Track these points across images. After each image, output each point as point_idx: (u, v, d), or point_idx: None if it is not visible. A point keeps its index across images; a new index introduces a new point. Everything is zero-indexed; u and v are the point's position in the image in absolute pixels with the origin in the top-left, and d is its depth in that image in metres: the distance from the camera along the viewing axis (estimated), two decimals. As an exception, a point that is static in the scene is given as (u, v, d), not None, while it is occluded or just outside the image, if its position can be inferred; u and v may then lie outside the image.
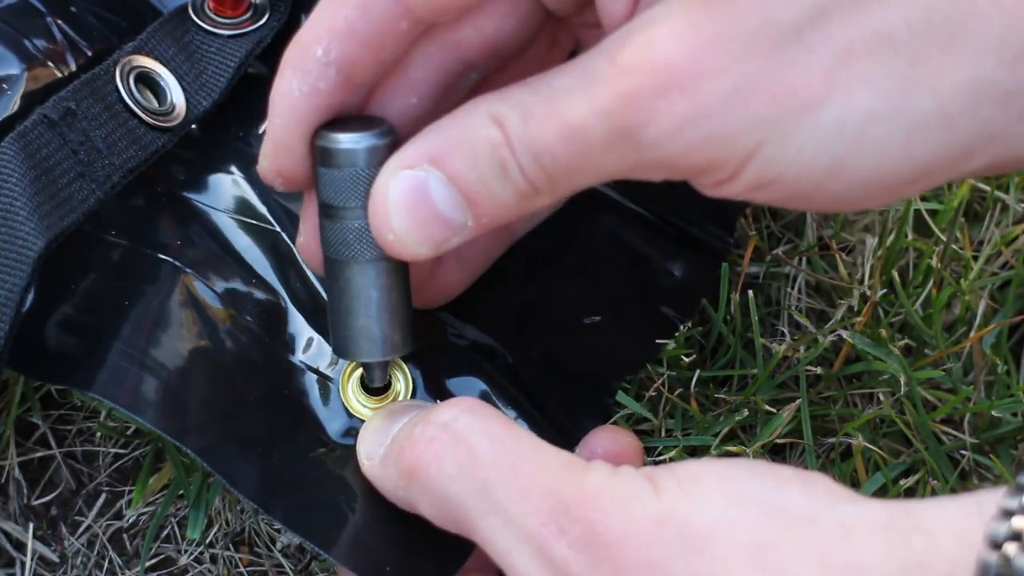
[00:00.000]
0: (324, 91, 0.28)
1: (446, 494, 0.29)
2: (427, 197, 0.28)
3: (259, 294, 0.38)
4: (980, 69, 0.24)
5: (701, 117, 0.25)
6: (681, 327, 0.40)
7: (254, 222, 0.39)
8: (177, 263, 0.37)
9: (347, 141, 0.30)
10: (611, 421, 0.40)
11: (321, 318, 0.38)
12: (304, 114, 0.29)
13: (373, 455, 0.32)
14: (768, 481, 0.26)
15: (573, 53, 0.35)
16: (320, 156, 0.30)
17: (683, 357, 0.41)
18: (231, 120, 0.41)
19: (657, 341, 0.40)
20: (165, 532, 0.42)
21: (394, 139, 0.30)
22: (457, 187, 0.28)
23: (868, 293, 0.42)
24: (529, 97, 0.27)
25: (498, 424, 0.29)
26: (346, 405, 0.36)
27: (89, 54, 0.40)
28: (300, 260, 0.38)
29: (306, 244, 0.34)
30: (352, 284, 0.32)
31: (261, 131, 0.41)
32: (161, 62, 0.39)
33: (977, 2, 0.24)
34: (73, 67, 0.39)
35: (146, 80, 0.39)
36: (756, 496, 0.26)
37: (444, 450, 0.29)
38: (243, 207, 0.40)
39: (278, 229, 0.39)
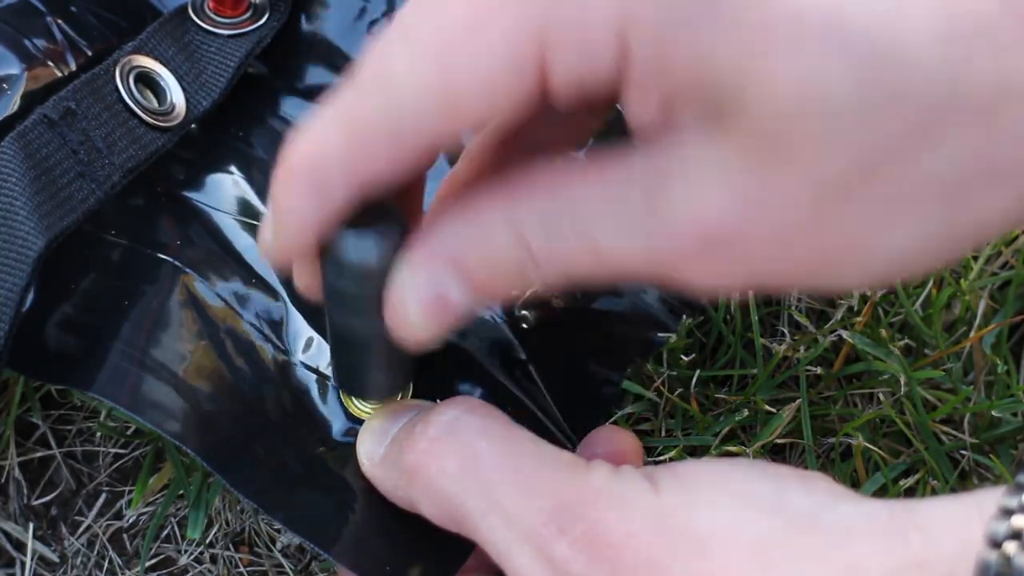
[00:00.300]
0: (339, 210, 0.27)
1: (446, 494, 0.29)
2: (445, 297, 0.27)
3: (259, 294, 0.38)
4: (1022, 195, 0.24)
5: (746, 268, 0.25)
6: (684, 319, 0.40)
7: (254, 222, 0.39)
8: (177, 263, 0.37)
9: (357, 253, 0.28)
10: (611, 421, 0.40)
11: (321, 318, 0.38)
12: (316, 227, 0.27)
13: (373, 455, 0.32)
14: (769, 481, 0.26)
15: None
16: (328, 258, 0.29)
17: (683, 356, 0.41)
18: (231, 120, 0.41)
19: (659, 335, 0.40)
20: (165, 532, 0.42)
21: (404, 228, 0.29)
22: (475, 288, 0.27)
23: (868, 293, 0.42)
24: (551, 210, 0.26)
25: (498, 424, 0.29)
26: (346, 405, 0.36)
27: (89, 54, 0.40)
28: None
29: (307, 290, 0.32)
30: (359, 350, 0.31)
31: (264, 157, 0.41)
32: (161, 62, 0.39)
33: (1013, 129, 0.23)
34: (73, 67, 0.39)
35: (146, 80, 0.39)
36: (757, 496, 0.26)
37: (444, 450, 0.29)
38: (243, 207, 0.40)
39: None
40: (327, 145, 0.26)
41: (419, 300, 0.27)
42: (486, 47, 0.24)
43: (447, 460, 0.29)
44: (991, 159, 0.23)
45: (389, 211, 0.28)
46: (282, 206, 0.27)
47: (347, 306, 0.29)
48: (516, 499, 0.27)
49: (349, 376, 0.33)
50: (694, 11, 0.22)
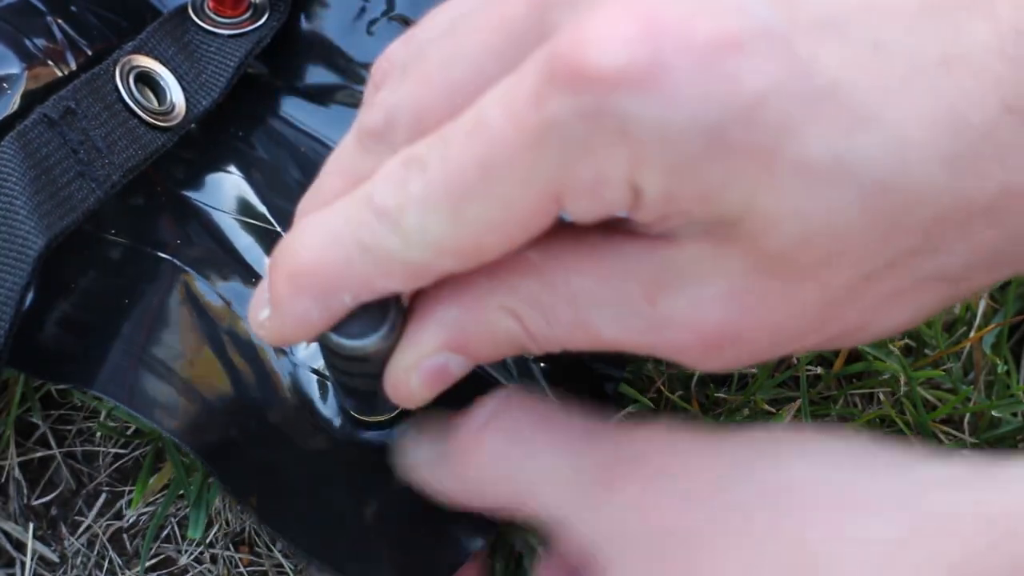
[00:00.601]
0: (341, 316, 0.27)
1: (501, 474, 0.29)
2: (445, 368, 0.28)
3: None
4: (1020, 269, 0.25)
5: (748, 357, 0.25)
6: None
7: (254, 222, 0.39)
8: (177, 262, 0.37)
9: (353, 348, 0.28)
10: (611, 421, 0.40)
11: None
12: (318, 329, 0.27)
13: (420, 458, 0.32)
14: (847, 442, 0.26)
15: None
16: (325, 344, 0.29)
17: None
18: (230, 119, 0.41)
19: None
20: (165, 532, 0.42)
21: (402, 311, 0.28)
22: (475, 360, 0.28)
23: (868, 293, 0.42)
24: (546, 295, 0.25)
25: (539, 403, 0.29)
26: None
27: (89, 53, 0.40)
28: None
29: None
30: (356, 392, 0.32)
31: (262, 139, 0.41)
32: (161, 61, 0.39)
33: (1015, 224, 0.23)
34: (73, 66, 0.39)
35: (146, 79, 0.39)
36: (839, 452, 0.25)
37: (493, 433, 0.29)
38: (243, 207, 0.40)
39: (278, 229, 0.39)
40: (337, 265, 0.25)
41: (419, 376, 0.28)
42: (503, 204, 0.23)
43: (497, 441, 0.28)
44: (994, 252, 0.23)
45: (388, 310, 0.28)
46: (284, 308, 0.27)
47: (344, 373, 0.30)
48: (571, 459, 0.27)
49: (350, 402, 0.34)
50: (702, 152, 0.22)
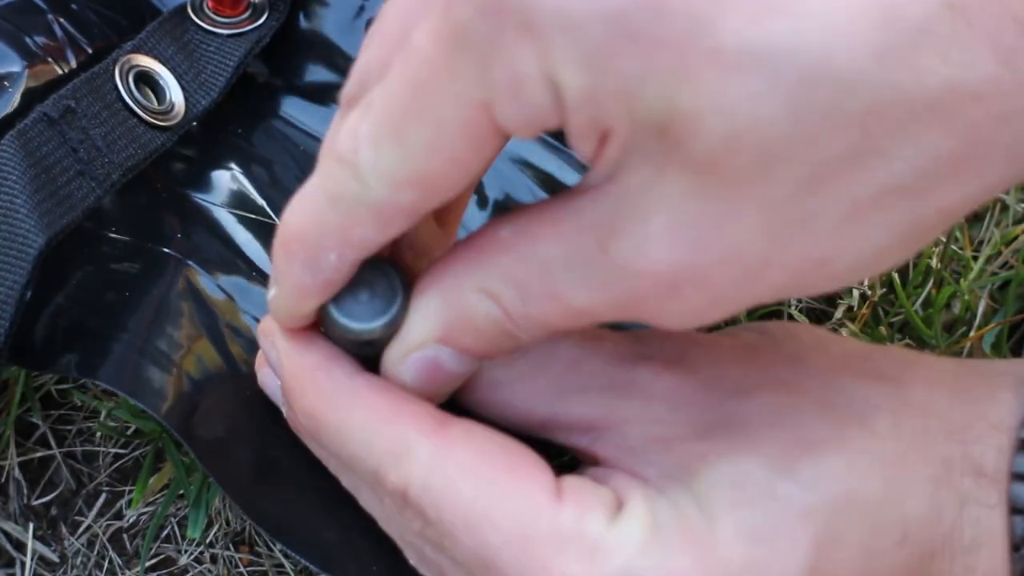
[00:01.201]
0: (335, 281, 0.28)
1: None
2: (440, 367, 0.28)
3: (260, 288, 0.38)
4: (989, 183, 0.24)
5: (713, 303, 0.25)
6: None
7: (255, 217, 0.39)
8: (179, 256, 0.37)
9: (348, 327, 0.28)
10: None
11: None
12: (316, 297, 0.28)
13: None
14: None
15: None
16: (325, 322, 0.29)
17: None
18: (230, 118, 0.41)
19: None
20: (165, 532, 0.42)
21: (400, 297, 0.28)
22: (466, 353, 0.28)
23: (868, 293, 0.42)
24: (518, 270, 0.26)
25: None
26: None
27: (89, 51, 0.40)
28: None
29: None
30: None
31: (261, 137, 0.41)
32: (160, 61, 0.39)
33: (981, 130, 0.22)
34: (73, 64, 0.39)
35: (145, 79, 0.39)
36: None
37: None
38: (243, 202, 0.40)
39: (278, 223, 0.39)
40: (316, 223, 0.26)
41: (410, 370, 0.28)
42: (437, 120, 0.23)
43: None
44: (951, 158, 0.22)
45: (385, 272, 0.28)
46: (282, 279, 0.28)
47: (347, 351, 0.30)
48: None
49: None
50: (609, 41, 0.21)
